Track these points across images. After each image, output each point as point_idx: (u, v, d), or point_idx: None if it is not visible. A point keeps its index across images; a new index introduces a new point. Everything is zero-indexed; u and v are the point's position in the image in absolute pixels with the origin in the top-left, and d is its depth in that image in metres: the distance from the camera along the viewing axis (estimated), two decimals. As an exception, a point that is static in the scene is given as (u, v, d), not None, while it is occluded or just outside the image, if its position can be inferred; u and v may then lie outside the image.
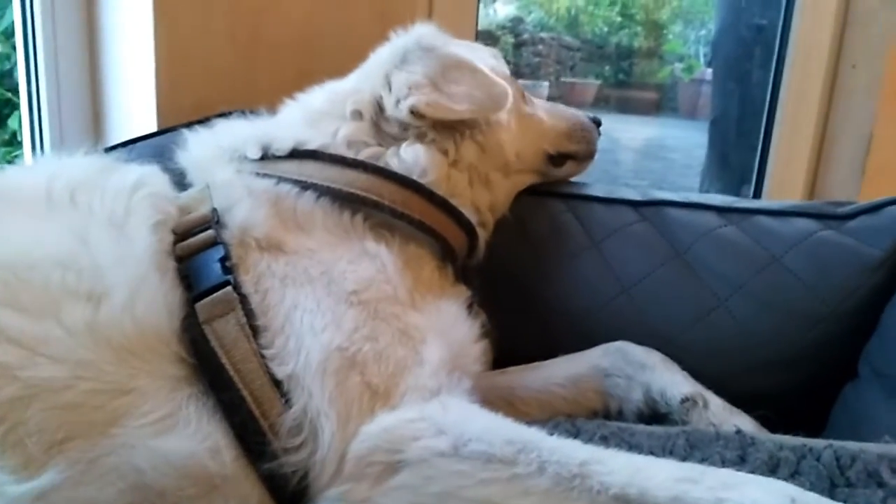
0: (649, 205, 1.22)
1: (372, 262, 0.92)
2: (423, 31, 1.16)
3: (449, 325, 0.92)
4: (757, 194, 2.23)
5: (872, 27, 1.96)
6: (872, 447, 0.78)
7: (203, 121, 1.26)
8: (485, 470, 0.70)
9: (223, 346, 0.77)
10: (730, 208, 1.19)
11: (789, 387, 1.11)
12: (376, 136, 1.07)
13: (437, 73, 1.07)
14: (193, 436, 0.72)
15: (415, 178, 1.03)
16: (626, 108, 5.62)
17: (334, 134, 1.06)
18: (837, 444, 0.79)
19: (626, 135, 5.15)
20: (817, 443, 0.80)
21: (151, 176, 0.96)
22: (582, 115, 1.32)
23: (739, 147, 2.54)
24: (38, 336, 0.71)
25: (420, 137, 1.07)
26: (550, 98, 5.47)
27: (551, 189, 1.28)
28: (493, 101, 1.09)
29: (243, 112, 1.22)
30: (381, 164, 1.04)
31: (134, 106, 1.57)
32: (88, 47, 1.64)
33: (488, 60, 1.19)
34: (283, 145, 1.02)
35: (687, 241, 1.16)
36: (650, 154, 5.05)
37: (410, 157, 1.05)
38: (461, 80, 1.08)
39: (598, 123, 1.33)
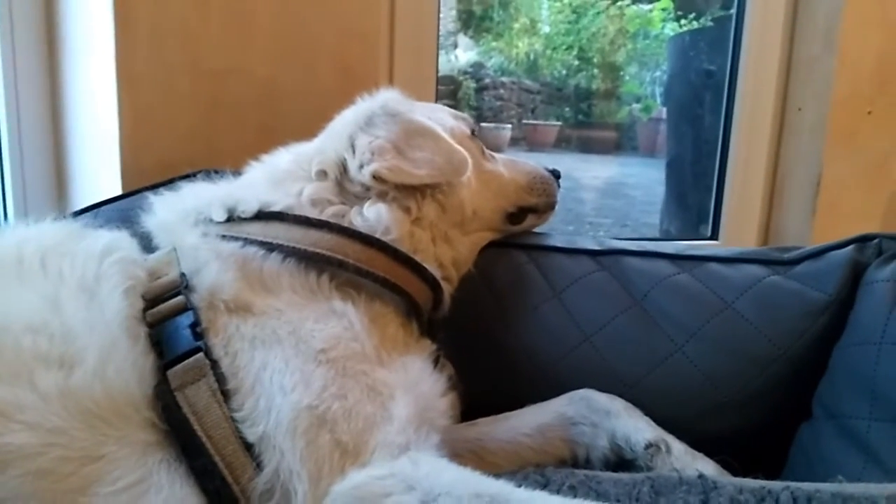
0: (607, 254, 1.26)
1: (339, 320, 0.93)
2: (388, 96, 1.19)
3: (416, 381, 0.93)
4: (714, 233, 2.29)
5: (815, 72, 2.05)
6: (827, 487, 0.81)
7: (168, 183, 1.28)
8: None
9: (195, 413, 0.78)
10: (683, 256, 1.23)
11: (747, 428, 1.14)
12: (340, 194, 1.10)
13: (401, 138, 1.11)
14: (166, 502, 0.73)
15: (378, 236, 1.06)
16: (587, 147, 5.73)
17: (299, 194, 1.08)
18: (794, 485, 0.81)
19: (587, 174, 5.24)
20: (775, 485, 0.82)
21: (120, 241, 0.97)
22: (541, 168, 1.36)
23: (695, 188, 2.61)
24: (12, 402, 0.72)
25: (382, 196, 1.10)
26: (514, 139, 5.56)
27: (514, 240, 1.32)
28: (452, 168, 1.13)
29: (208, 172, 1.24)
30: (345, 222, 1.06)
31: (98, 168, 1.57)
32: (51, 110, 1.65)
33: (449, 122, 1.24)
34: (248, 207, 1.03)
35: (644, 288, 1.20)
36: (612, 192, 5.14)
37: (373, 216, 1.07)
38: (423, 146, 1.12)
39: (556, 175, 1.37)
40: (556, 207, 1.37)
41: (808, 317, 1.12)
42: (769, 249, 1.23)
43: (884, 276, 1.09)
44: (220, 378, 0.81)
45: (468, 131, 1.27)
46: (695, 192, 2.62)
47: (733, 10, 2.21)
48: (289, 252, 0.98)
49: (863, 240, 1.16)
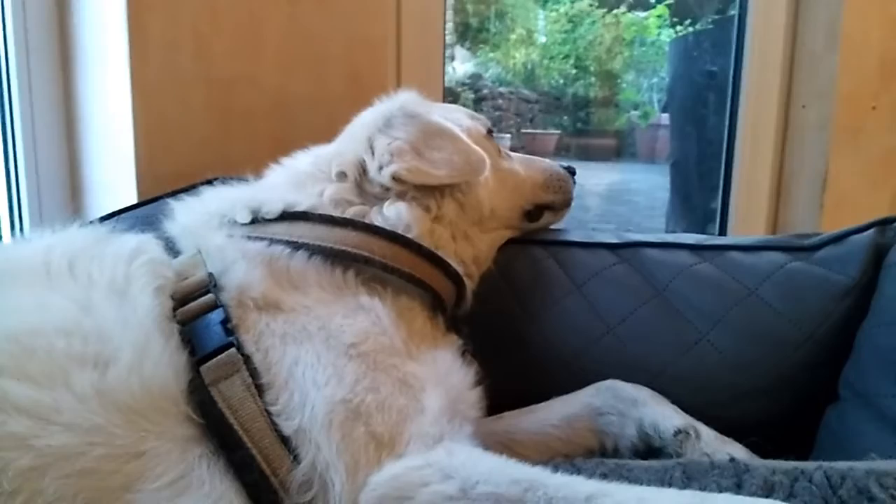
0: (626, 246, 1.27)
1: (367, 315, 0.94)
2: (406, 98, 1.20)
3: (445, 373, 0.94)
4: (722, 232, 2.30)
5: (818, 70, 2.06)
6: (860, 465, 0.81)
7: (189, 189, 1.28)
8: None
9: (230, 407, 0.78)
10: (703, 246, 1.24)
11: (775, 412, 1.14)
12: (360, 195, 1.11)
13: (419, 139, 1.12)
14: (208, 496, 0.73)
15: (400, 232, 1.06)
16: (587, 155, 5.78)
17: (320, 194, 1.09)
18: (827, 464, 0.81)
19: (590, 181, 5.26)
20: (808, 465, 0.82)
21: (147, 243, 0.98)
22: (556, 166, 1.37)
23: (700, 188, 2.62)
24: (49, 404, 0.72)
25: (402, 196, 1.11)
26: (513, 149, 5.57)
27: (532, 236, 1.32)
28: (471, 168, 1.14)
29: (226, 180, 1.25)
30: (366, 221, 1.07)
31: (113, 177, 1.58)
32: (66, 120, 1.66)
33: (465, 122, 1.25)
34: (272, 208, 1.04)
35: (665, 279, 1.21)
36: (614, 198, 5.16)
37: (394, 215, 1.08)
38: (442, 147, 1.12)
39: (572, 173, 1.38)
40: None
41: (831, 300, 1.12)
42: (789, 237, 1.24)
43: (906, 258, 1.10)
44: (254, 373, 0.82)
45: (484, 131, 1.29)
46: (700, 193, 2.63)
47: (734, 11, 2.23)
48: (315, 250, 0.99)
49: (883, 223, 1.17)
